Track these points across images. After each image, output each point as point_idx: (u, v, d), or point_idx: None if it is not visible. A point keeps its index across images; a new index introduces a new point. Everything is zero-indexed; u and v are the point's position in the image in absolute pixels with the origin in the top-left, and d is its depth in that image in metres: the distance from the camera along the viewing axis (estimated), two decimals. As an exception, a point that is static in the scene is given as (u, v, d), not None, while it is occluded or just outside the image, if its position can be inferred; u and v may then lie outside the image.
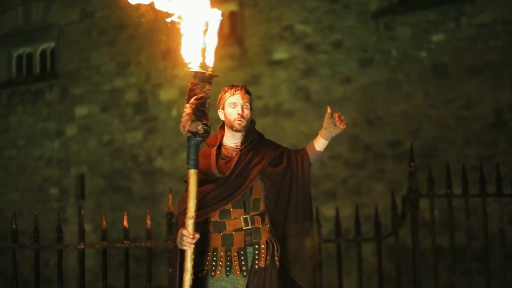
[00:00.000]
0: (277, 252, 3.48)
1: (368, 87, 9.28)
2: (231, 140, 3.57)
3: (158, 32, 9.90)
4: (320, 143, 3.64)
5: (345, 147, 9.38)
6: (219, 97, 3.62)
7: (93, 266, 9.98)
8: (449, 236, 5.29)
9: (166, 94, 10.64)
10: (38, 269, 4.68)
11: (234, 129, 3.56)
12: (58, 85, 11.56)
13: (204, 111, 3.31)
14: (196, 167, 3.26)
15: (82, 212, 4.91)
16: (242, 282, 3.46)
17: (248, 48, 10.03)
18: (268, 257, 3.47)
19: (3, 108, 12.03)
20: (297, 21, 9.71)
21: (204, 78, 3.44)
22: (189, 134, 3.26)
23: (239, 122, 3.54)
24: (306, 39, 9.65)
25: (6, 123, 11.99)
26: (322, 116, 8.95)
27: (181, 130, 3.30)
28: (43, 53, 12.00)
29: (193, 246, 3.26)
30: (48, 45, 11.90)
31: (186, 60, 3.48)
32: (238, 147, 3.56)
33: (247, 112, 3.59)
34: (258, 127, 9.37)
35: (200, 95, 3.37)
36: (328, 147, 9.36)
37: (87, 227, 10.28)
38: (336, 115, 3.53)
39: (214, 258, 3.50)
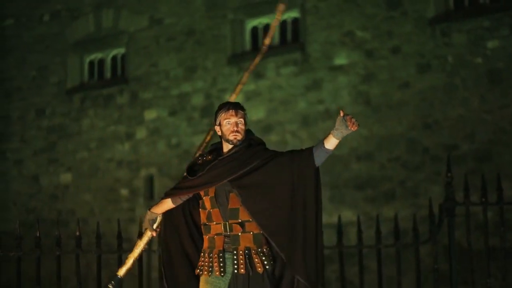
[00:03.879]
0: (261, 258, 4.16)
1: (426, 92, 10.63)
2: (225, 150, 4.32)
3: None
4: (331, 142, 4.20)
5: (403, 149, 10.75)
6: (216, 113, 4.35)
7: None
8: (483, 242, 6.07)
9: (232, 99, 12.20)
10: (100, 272, 5.77)
11: (230, 142, 4.27)
12: (128, 89, 13.29)
13: None
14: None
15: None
16: (221, 282, 4.20)
17: (310, 53, 11.50)
18: (257, 264, 4.14)
19: (75, 112, 13.85)
20: (356, 27, 11.14)
21: None
22: None
23: (235, 136, 4.24)
24: (366, 45, 11.07)
25: (78, 126, 13.80)
26: (382, 120, 10.46)
27: None
28: (114, 58, 13.78)
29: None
30: (119, 51, 13.67)
31: None
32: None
33: (241, 126, 4.27)
34: (319, 131, 11.14)
35: None
36: (387, 149, 10.89)
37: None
38: (348, 117, 4.11)
39: (202, 259, 4.30)
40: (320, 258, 4.21)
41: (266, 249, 4.24)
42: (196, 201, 4.43)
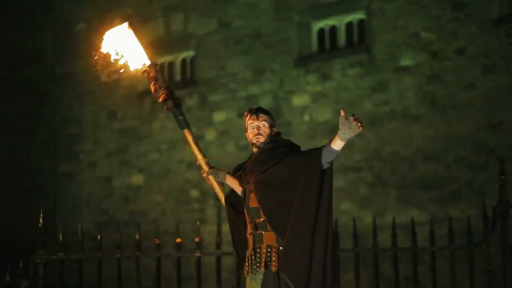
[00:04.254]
0: (275, 257, 4.51)
1: (491, 93, 11.15)
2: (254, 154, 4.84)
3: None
4: (337, 143, 4.48)
5: (469, 150, 11.29)
6: (244, 122, 4.89)
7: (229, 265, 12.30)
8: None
9: (299, 100, 12.90)
10: (159, 275, 6.45)
11: (254, 145, 4.76)
12: (198, 92, 14.12)
13: (172, 93, 5.09)
14: (185, 126, 5.02)
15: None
16: (256, 278, 4.60)
17: (376, 55, 12.13)
18: (273, 262, 4.50)
19: (147, 115, 14.75)
20: (422, 29, 11.72)
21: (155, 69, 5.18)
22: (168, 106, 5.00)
23: (257, 138, 4.72)
24: (431, 46, 11.64)
25: (149, 129, 14.69)
26: (447, 120, 11.08)
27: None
28: (183, 61, 14.64)
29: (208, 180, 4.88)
30: (188, 54, 14.52)
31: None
32: None
33: (264, 129, 4.74)
34: (385, 132, 11.81)
35: (163, 82, 5.12)
36: (453, 150, 11.48)
37: (225, 227, 12.75)
38: (351, 118, 4.44)
39: (247, 259, 4.73)
40: (330, 263, 4.40)
41: None
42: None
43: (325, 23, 13.00)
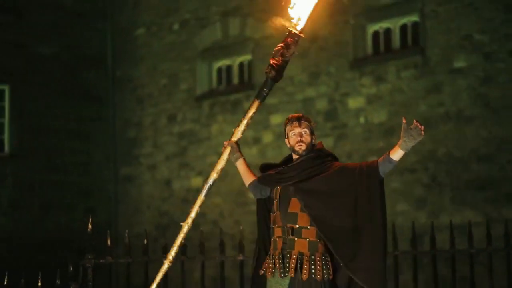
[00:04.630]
0: (310, 265, 4.78)
1: (545, 93, 11.79)
2: (294, 158, 5.11)
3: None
4: (398, 154, 4.75)
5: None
6: (284, 128, 5.17)
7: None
8: None
9: (354, 102, 13.63)
10: (203, 277, 6.93)
11: (296, 153, 5.03)
12: (255, 95, 14.90)
13: (283, 68, 5.24)
14: (260, 99, 5.24)
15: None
16: (282, 283, 4.83)
17: (430, 57, 12.79)
18: (304, 270, 4.76)
19: (205, 118, 15.63)
20: (475, 30, 12.36)
21: (296, 40, 5.28)
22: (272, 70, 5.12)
23: (300, 146, 5.00)
24: (484, 48, 12.27)
25: (208, 132, 15.56)
26: (502, 122, 11.69)
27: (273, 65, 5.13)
28: (241, 65, 15.49)
29: (224, 148, 5.21)
30: (245, 57, 15.37)
31: (294, 20, 5.30)
32: None
33: (306, 137, 5.01)
34: (439, 133, 12.57)
35: (288, 55, 5.22)
36: (507, 151, 12.26)
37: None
38: (413, 126, 4.70)
39: (268, 261, 4.97)
40: (385, 265, 4.73)
41: (319, 257, 4.86)
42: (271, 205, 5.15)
43: (380, 25, 13.70)
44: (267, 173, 5.17)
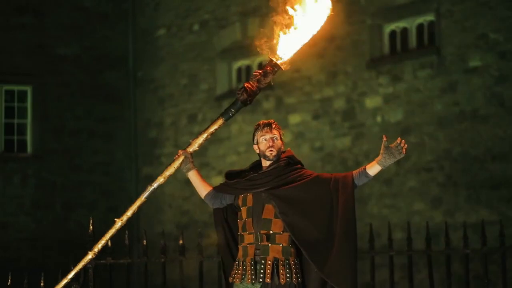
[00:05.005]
0: (286, 270, 4.93)
1: (560, 92, 11.96)
2: (264, 165, 5.21)
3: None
4: (374, 169, 4.97)
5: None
6: (253, 134, 5.23)
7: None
8: None
9: (371, 102, 13.86)
10: (224, 279, 6.95)
11: (267, 158, 5.13)
12: (274, 95, 15.20)
13: (255, 94, 5.32)
14: (225, 118, 5.32)
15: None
16: None
17: (445, 56, 12.99)
18: (281, 275, 4.91)
19: (225, 118, 15.91)
20: (490, 30, 12.55)
21: (274, 71, 5.36)
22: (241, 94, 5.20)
23: (271, 151, 5.11)
24: (499, 47, 12.46)
25: (227, 131, 15.85)
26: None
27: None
28: (260, 65, 15.74)
29: (176, 157, 5.25)
30: (264, 57, 15.61)
31: (280, 52, 5.38)
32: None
33: (277, 142, 5.13)
34: (455, 133, 12.75)
35: (263, 83, 5.32)
36: None
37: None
38: (399, 140, 4.93)
39: (237, 267, 5.06)
40: (357, 268, 4.94)
41: (293, 261, 5.02)
42: (233, 213, 5.29)
43: (397, 25, 13.91)
44: (232, 181, 5.26)
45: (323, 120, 14.51)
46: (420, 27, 13.70)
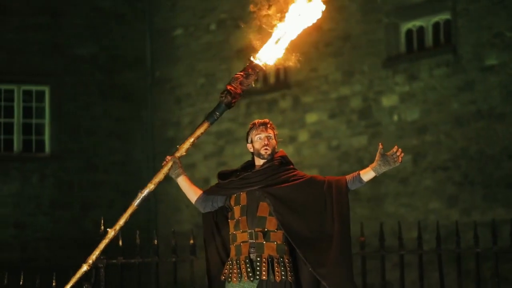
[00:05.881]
0: (280, 267, 5.01)
1: None
2: (257, 164, 5.31)
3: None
4: (368, 175, 5.12)
5: None
6: (247, 133, 5.40)
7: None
8: None
9: (388, 101, 14.05)
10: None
11: (261, 156, 5.25)
12: (291, 94, 15.42)
13: (238, 97, 5.47)
14: (210, 121, 5.40)
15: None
16: (249, 287, 5.03)
17: (462, 55, 13.17)
18: (276, 272, 4.99)
19: (242, 117, 16.15)
20: (506, 28, 12.72)
21: (256, 72, 5.54)
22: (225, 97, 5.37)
23: (265, 149, 5.23)
24: (515, 45, 12.66)
25: (244, 131, 15.44)
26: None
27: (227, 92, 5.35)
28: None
29: (165, 162, 5.32)
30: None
31: (261, 53, 5.55)
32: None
33: (271, 141, 5.26)
34: (471, 131, 12.95)
35: (246, 84, 5.50)
36: None
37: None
38: (395, 149, 5.11)
39: (230, 267, 5.11)
40: (352, 270, 5.06)
41: (287, 259, 5.11)
42: (222, 215, 5.35)
43: (413, 24, 14.09)
44: (225, 181, 5.34)
45: (339, 119, 14.71)
46: (436, 25, 13.88)
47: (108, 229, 5.48)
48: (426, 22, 13.96)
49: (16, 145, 16.03)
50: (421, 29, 14.05)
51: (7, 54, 16.02)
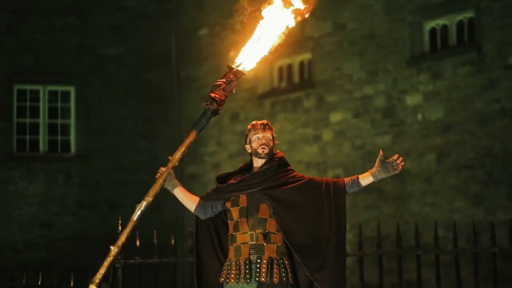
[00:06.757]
0: (280, 269, 5.07)
1: None
2: (256, 166, 5.38)
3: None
4: (367, 180, 5.23)
5: None
6: (246, 134, 5.47)
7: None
8: None
9: (412, 100, 14.14)
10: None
11: (258, 156, 5.34)
12: (315, 93, 15.56)
13: (222, 103, 5.56)
14: (198, 129, 5.43)
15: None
16: None
17: (486, 53, 13.24)
18: (275, 274, 5.05)
19: (266, 116, 16.27)
20: (529, 26, 12.81)
21: (238, 77, 5.62)
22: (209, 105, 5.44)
23: (263, 148, 5.32)
24: (538, 44, 12.72)
25: (270, 130, 16.23)
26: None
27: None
28: (301, 63, 16.13)
29: (159, 174, 5.35)
30: (305, 56, 16.00)
31: (239, 59, 5.63)
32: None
33: (269, 142, 5.36)
34: (496, 130, 13.08)
35: (228, 91, 5.58)
36: None
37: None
38: (396, 157, 5.26)
39: (228, 268, 5.18)
40: (345, 274, 5.20)
41: (287, 261, 5.18)
42: (221, 219, 5.43)
43: (437, 22, 14.18)
44: (223, 185, 5.40)
45: (363, 118, 14.83)
46: (460, 24, 13.96)
47: (111, 247, 5.50)
48: (450, 21, 14.04)
49: (42, 145, 16.33)
50: (445, 28, 14.13)
51: (34, 55, 16.31)
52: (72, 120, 16.54)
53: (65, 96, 16.60)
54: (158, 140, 17.29)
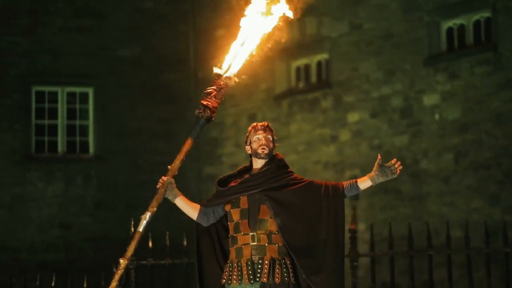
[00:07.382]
0: (282, 269, 5.16)
1: None
2: (256, 167, 5.48)
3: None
4: (365, 184, 5.34)
5: None
6: (247, 135, 5.56)
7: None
8: None
9: (429, 100, 14.27)
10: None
11: (258, 156, 5.45)
12: (332, 93, 15.70)
13: (215, 110, 5.69)
14: (193, 137, 5.53)
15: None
16: None
17: (502, 53, 13.35)
18: (277, 274, 5.13)
19: (284, 117, 16.47)
20: (546, 25, 12.91)
21: (227, 84, 5.81)
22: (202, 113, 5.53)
23: (263, 149, 5.41)
24: (554, 43, 12.82)
25: (287, 131, 16.39)
26: None
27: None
28: (319, 64, 16.29)
29: (160, 184, 5.45)
30: (322, 56, 16.16)
31: (225, 65, 5.78)
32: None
33: (269, 142, 5.43)
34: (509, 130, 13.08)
35: (219, 97, 5.76)
36: None
37: (361, 226, 14.29)
38: (394, 161, 5.30)
39: (230, 269, 5.26)
40: (344, 278, 5.26)
41: (289, 261, 5.27)
42: (221, 224, 5.50)
43: (454, 22, 14.30)
44: (224, 188, 5.51)
45: (381, 118, 14.96)
46: (477, 23, 14.08)
47: (120, 259, 5.55)
48: (466, 20, 14.16)
49: (60, 147, 16.54)
50: (461, 27, 14.25)
51: (51, 56, 16.51)
52: (90, 121, 16.73)
53: (84, 97, 16.81)
54: (175, 141, 17.40)
